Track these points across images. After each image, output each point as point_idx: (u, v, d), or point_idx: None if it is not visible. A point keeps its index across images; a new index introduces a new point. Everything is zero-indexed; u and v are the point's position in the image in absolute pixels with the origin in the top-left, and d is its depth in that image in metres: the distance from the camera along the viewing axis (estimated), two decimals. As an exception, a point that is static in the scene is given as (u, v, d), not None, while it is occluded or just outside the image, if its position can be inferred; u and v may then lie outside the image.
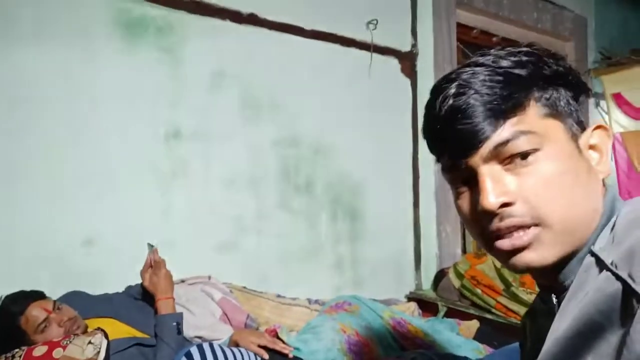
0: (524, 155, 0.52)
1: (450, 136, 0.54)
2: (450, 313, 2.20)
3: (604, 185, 0.57)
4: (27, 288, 1.40)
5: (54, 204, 1.59)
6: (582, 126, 0.57)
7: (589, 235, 0.54)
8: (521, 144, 0.52)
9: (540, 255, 0.53)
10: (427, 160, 2.56)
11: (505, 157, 0.53)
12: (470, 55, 2.89)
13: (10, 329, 1.29)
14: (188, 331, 1.51)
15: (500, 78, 0.52)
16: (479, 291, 2.10)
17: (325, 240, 2.21)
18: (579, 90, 0.57)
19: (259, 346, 1.34)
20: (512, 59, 0.53)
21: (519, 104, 0.52)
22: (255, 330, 1.61)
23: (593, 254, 0.51)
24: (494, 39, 2.98)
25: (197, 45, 1.88)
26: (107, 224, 1.68)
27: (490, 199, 0.53)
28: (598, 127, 0.57)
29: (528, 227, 0.53)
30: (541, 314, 0.61)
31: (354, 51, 2.31)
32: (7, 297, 1.34)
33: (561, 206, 0.52)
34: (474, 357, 1.45)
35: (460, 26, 2.73)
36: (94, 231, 1.66)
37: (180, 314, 1.47)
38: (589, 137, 0.57)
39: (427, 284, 2.52)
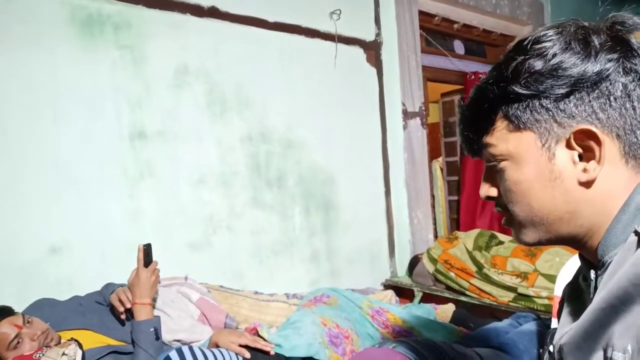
0: (497, 163, 0.62)
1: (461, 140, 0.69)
2: (426, 298, 2.24)
3: (585, 184, 0.57)
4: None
5: (17, 212, 1.52)
6: (567, 125, 0.56)
7: (579, 224, 0.58)
8: (488, 155, 0.63)
9: (517, 236, 0.64)
10: (397, 149, 2.59)
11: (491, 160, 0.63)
12: (432, 42, 2.92)
13: (-21, 348, 1.23)
14: (166, 335, 1.48)
15: (475, 101, 0.63)
16: (452, 274, 2.15)
17: (300, 233, 2.20)
18: (570, 85, 0.55)
19: (240, 345, 1.33)
20: (482, 85, 0.62)
21: (487, 123, 0.62)
22: (235, 329, 1.60)
23: (637, 234, 0.53)
24: (456, 25, 3.02)
25: (158, 42, 1.82)
26: (74, 230, 1.62)
27: (480, 192, 0.67)
28: (577, 130, 0.55)
29: (506, 212, 0.64)
30: (580, 290, 0.66)
31: (319, 42, 2.30)
32: (-26, 315, 1.28)
33: (522, 207, 0.61)
34: (452, 340, 1.48)
35: (422, 14, 2.75)
36: (60, 238, 1.60)
37: (158, 319, 1.43)
38: (565, 141, 0.57)
39: (402, 270, 2.56)
